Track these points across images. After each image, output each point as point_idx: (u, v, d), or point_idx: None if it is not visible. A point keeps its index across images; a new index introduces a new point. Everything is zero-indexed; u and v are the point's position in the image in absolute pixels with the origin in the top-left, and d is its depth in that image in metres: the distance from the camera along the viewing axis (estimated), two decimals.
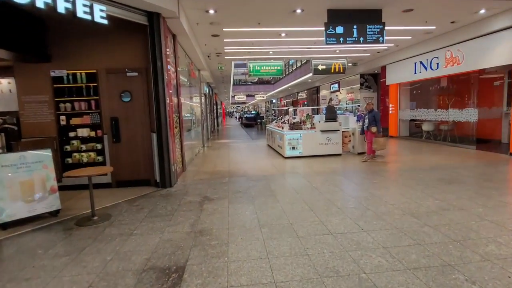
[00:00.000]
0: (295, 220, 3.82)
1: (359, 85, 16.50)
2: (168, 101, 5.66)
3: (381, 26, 6.92)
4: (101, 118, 5.76)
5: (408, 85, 13.08)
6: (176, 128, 6.65)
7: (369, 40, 6.92)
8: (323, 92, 23.18)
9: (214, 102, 27.12)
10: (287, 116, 10.98)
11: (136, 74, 5.71)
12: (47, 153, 4.28)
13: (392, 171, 6.71)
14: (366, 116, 7.91)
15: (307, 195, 4.88)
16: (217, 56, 11.37)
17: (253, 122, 26.99)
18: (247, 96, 43.41)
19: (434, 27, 8.73)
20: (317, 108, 18.18)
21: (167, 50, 5.85)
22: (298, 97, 30.33)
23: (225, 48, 10.15)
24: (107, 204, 4.76)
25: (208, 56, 10.94)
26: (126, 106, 5.78)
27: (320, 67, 12.57)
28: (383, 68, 13.66)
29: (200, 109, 12.74)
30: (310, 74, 17.68)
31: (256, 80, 39.63)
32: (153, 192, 5.43)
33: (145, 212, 4.35)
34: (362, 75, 16.29)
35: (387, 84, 13.43)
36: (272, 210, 4.24)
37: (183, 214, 4.21)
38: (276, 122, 10.90)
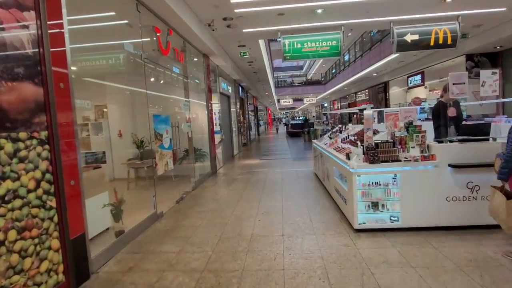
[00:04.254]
0: None
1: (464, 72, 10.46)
2: None
3: None
4: None
5: None
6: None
7: None
8: (394, 90, 17.15)
9: (253, 107, 22.72)
10: (352, 125, 5.70)
11: None
12: None
13: None
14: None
15: None
16: (228, 26, 6.74)
17: (300, 131, 21.77)
18: (294, 100, 38.40)
19: None
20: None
21: None
22: (357, 99, 24.36)
23: (233, 2, 5.46)
24: None
25: (210, 25, 6.35)
26: None
27: (409, 38, 7.14)
28: None
29: (208, 116, 8.22)
30: (390, 58, 12.07)
31: (304, 81, 34.43)
32: None
33: None
34: (470, 57, 10.24)
35: None
36: None
37: None
38: (331, 138, 5.75)
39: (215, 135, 9.63)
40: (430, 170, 3.39)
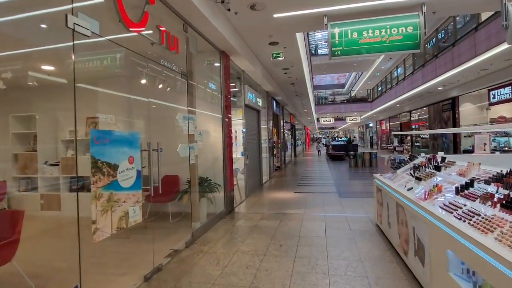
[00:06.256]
0: None
1: None
2: None
3: None
4: None
5: None
6: None
7: None
8: (466, 107, 13.82)
9: (290, 126, 20.45)
10: (447, 155, 3.11)
11: None
12: None
13: None
14: None
15: None
16: (252, 8, 4.67)
17: (343, 154, 18.88)
18: (336, 119, 35.39)
19: None
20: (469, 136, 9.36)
21: None
22: (411, 118, 20.94)
23: None
24: None
25: (223, 2, 4.33)
26: None
27: None
28: None
29: (224, 135, 6.09)
30: (469, 64, 8.94)
31: (347, 97, 31.48)
32: None
33: None
34: None
35: None
36: None
37: None
38: (420, 179, 3.20)
39: (239, 156, 7.50)
40: None
